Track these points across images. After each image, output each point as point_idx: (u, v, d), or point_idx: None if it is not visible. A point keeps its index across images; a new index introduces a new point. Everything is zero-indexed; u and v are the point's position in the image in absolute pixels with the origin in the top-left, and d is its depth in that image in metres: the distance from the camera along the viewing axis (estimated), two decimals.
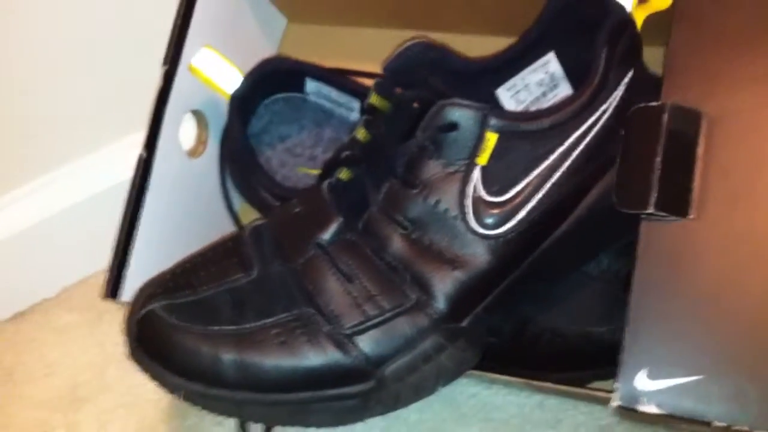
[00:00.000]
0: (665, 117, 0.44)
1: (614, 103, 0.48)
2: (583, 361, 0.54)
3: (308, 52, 0.66)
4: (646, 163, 0.44)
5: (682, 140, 0.45)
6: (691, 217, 0.44)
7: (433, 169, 0.46)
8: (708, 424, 0.41)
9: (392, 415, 0.56)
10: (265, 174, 0.59)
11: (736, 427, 0.41)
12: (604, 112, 0.47)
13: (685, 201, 0.44)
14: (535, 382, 0.50)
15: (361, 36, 0.70)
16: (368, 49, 0.57)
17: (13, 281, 0.70)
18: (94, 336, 0.66)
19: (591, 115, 0.47)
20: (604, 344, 0.52)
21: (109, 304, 0.54)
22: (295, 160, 0.62)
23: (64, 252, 0.71)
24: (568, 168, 0.47)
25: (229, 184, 0.64)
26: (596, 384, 0.53)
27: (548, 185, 0.47)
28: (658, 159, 0.44)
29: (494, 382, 0.57)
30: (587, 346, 0.54)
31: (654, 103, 0.45)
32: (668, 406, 0.42)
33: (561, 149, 0.47)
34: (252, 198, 0.62)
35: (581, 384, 0.52)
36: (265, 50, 0.69)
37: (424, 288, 0.46)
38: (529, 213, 0.47)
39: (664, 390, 0.42)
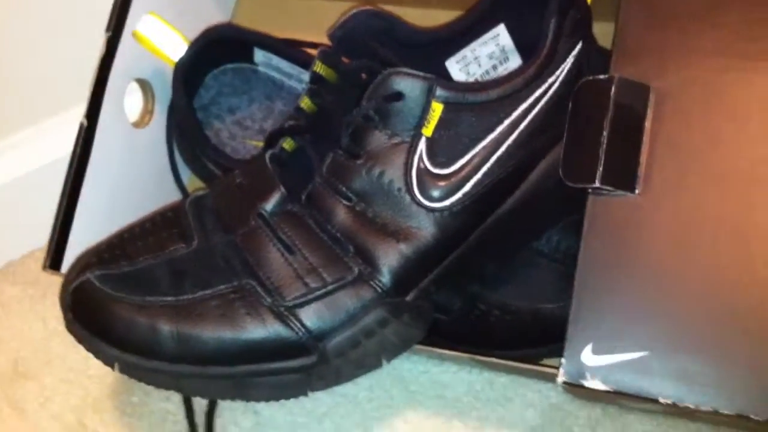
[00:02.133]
0: (613, 90, 0.44)
1: (563, 76, 0.47)
2: (534, 338, 0.53)
3: (262, 23, 0.64)
4: (593, 137, 0.44)
5: (630, 114, 0.45)
6: (638, 192, 0.44)
7: (378, 139, 0.46)
8: (654, 401, 0.41)
9: (341, 393, 0.56)
10: (212, 146, 0.58)
11: (682, 405, 0.41)
12: (552, 84, 0.47)
13: (632, 176, 0.44)
14: (483, 358, 0.50)
15: (318, 8, 0.69)
16: (325, 21, 0.55)
17: None
18: (38, 311, 0.65)
19: (538, 88, 0.46)
20: (555, 321, 0.52)
21: (54, 279, 0.53)
22: (245, 132, 0.61)
23: (9, 226, 0.69)
24: (515, 141, 0.46)
25: (178, 156, 0.62)
26: (547, 361, 0.53)
27: (495, 158, 0.46)
28: (605, 133, 0.44)
29: (444, 359, 0.56)
30: (538, 323, 0.53)
31: (602, 77, 0.45)
32: (613, 382, 0.42)
33: (508, 121, 0.46)
34: (199, 170, 0.60)
35: (533, 361, 0.52)
36: (217, 20, 0.67)
37: (368, 261, 0.46)
38: (475, 186, 0.46)
39: (610, 366, 0.42)
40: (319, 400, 0.56)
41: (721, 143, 0.44)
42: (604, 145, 0.43)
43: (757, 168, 0.43)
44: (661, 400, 0.41)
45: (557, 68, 0.47)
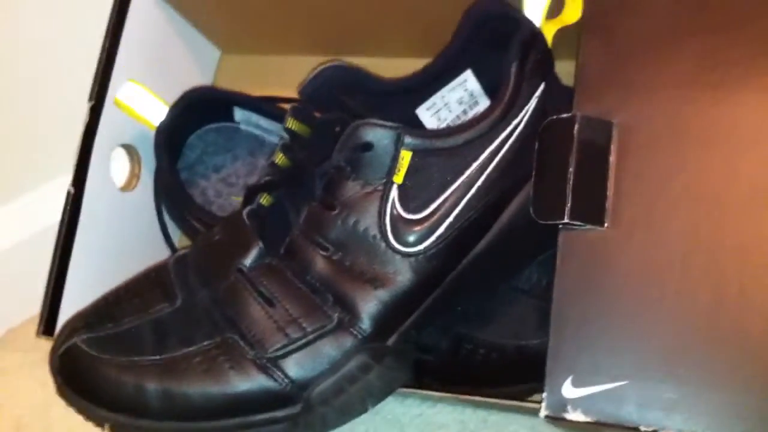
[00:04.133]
0: (576, 128, 0.45)
1: (527, 117, 0.48)
2: (521, 374, 0.54)
3: (244, 82, 0.66)
4: (559, 174, 0.45)
5: (594, 150, 0.46)
6: (607, 225, 0.45)
7: (351, 189, 0.47)
8: (636, 429, 0.41)
9: None
10: (196, 206, 0.59)
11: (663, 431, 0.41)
12: (518, 126, 0.48)
13: (600, 209, 0.45)
14: (469, 398, 0.50)
15: (299, 64, 0.70)
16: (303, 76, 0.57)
17: None
18: (37, 376, 0.66)
19: (504, 130, 0.47)
20: (540, 356, 0.52)
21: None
22: (230, 189, 0.63)
23: (8, 294, 0.71)
24: (485, 182, 0.47)
25: (167, 217, 0.63)
26: (534, 397, 0.53)
27: (465, 200, 0.47)
28: (571, 169, 0.44)
29: (435, 401, 0.57)
30: (523, 359, 0.54)
31: (565, 115, 0.46)
32: (594, 413, 0.42)
33: (476, 164, 0.47)
34: (188, 230, 0.62)
35: (523, 397, 0.52)
36: (199, 82, 0.69)
37: (347, 308, 0.46)
38: (448, 228, 0.47)
39: (589, 396, 0.42)
40: None
41: (686, 172, 0.44)
42: (571, 182, 0.44)
43: (723, 194, 0.44)
44: (642, 429, 0.41)
45: (521, 110, 0.48)
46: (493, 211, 0.48)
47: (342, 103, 0.49)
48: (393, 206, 0.47)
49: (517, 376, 0.54)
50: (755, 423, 0.40)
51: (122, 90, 0.57)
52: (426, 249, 0.47)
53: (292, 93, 0.62)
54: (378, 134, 0.46)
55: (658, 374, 0.42)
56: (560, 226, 0.45)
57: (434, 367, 0.54)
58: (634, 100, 0.46)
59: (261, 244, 0.48)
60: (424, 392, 0.51)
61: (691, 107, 0.45)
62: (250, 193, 0.50)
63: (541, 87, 0.49)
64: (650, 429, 0.41)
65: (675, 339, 0.42)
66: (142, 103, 0.58)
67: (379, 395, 0.48)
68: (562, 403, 0.43)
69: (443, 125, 0.54)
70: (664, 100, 0.46)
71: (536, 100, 0.48)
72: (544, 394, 0.43)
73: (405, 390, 0.50)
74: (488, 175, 0.47)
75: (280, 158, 0.49)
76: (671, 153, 0.45)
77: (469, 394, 0.51)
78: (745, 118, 0.44)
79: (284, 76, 0.69)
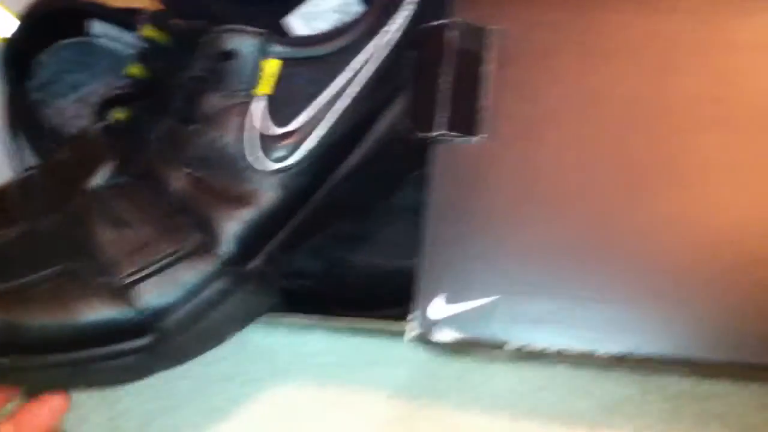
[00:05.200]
0: (450, 34, 0.43)
1: (404, 24, 0.45)
2: (397, 296, 0.52)
3: None
4: (433, 84, 0.43)
5: (469, 58, 0.44)
6: (484, 136, 0.43)
7: (211, 102, 0.43)
8: (500, 346, 0.40)
9: (204, 374, 0.53)
10: (49, 128, 0.54)
11: (529, 348, 0.40)
12: (389, 33, 0.45)
13: (474, 121, 0.43)
14: (337, 321, 0.49)
15: None
16: None
17: None
18: None
19: (377, 36, 0.45)
20: None
21: None
22: (91, 109, 0.58)
23: None
24: (356, 93, 0.45)
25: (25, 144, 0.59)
26: None
27: (335, 111, 0.44)
28: (443, 78, 0.42)
29: (306, 328, 0.54)
30: (402, 280, 0.52)
31: (438, 21, 0.44)
32: (462, 331, 0.41)
33: (346, 74, 0.44)
34: (44, 156, 0.57)
35: (389, 319, 0.50)
36: None
37: (207, 230, 0.43)
38: (316, 143, 0.44)
39: (459, 315, 0.41)
40: (178, 384, 0.53)
41: (566, 82, 0.43)
42: (443, 92, 0.42)
43: (602, 105, 0.42)
44: (508, 346, 0.40)
45: (397, 16, 0.45)
46: (365, 124, 0.46)
47: (207, 9, 0.45)
48: (258, 119, 0.43)
49: (392, 299, 0.52)
50: (627, 337, 0.40)
51: None
52: (293, 165, 0.44)
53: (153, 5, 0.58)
54: (241, 41, 0.43)
55: (530, 289, 0.41)
56: (433, 138, 0.43)
57: (306, 292, 0.52)
58: (514, 8, 0.44)
59: (113, 162, 0.44)
60: (291, 318, 0.49)
61: (572, 13, 0.44)
62: (102, 108, 0.46)
63: None
64: (517, 345, 0.40)
65: (549, 254, 0.41)
66: None
67: (241, 322, 0.45)
68: (429, 323, 0.41)
69: None
70: (544, 5, 0.44)
71: (413, 6, 0.45)
72: (411, 314, 0.41)
73: (271, 316, 0.47)
74: (359, 85, 0.45)
75: (135, 69, 0.45)
76: (550, 62, 0.44)
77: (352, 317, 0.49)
78: (629, 25, 0.43)
79: None
